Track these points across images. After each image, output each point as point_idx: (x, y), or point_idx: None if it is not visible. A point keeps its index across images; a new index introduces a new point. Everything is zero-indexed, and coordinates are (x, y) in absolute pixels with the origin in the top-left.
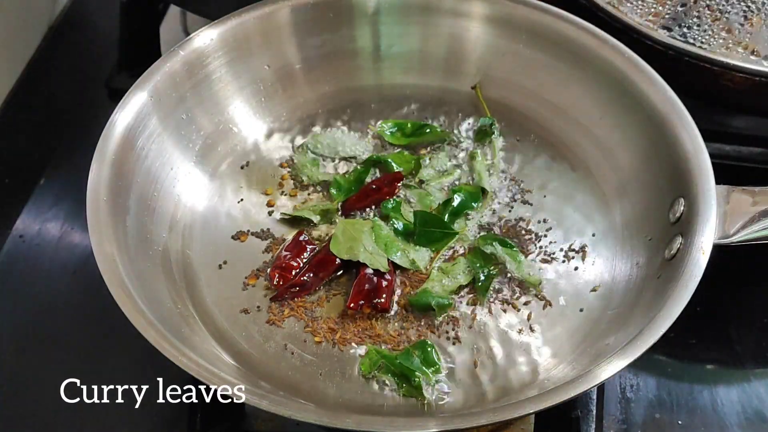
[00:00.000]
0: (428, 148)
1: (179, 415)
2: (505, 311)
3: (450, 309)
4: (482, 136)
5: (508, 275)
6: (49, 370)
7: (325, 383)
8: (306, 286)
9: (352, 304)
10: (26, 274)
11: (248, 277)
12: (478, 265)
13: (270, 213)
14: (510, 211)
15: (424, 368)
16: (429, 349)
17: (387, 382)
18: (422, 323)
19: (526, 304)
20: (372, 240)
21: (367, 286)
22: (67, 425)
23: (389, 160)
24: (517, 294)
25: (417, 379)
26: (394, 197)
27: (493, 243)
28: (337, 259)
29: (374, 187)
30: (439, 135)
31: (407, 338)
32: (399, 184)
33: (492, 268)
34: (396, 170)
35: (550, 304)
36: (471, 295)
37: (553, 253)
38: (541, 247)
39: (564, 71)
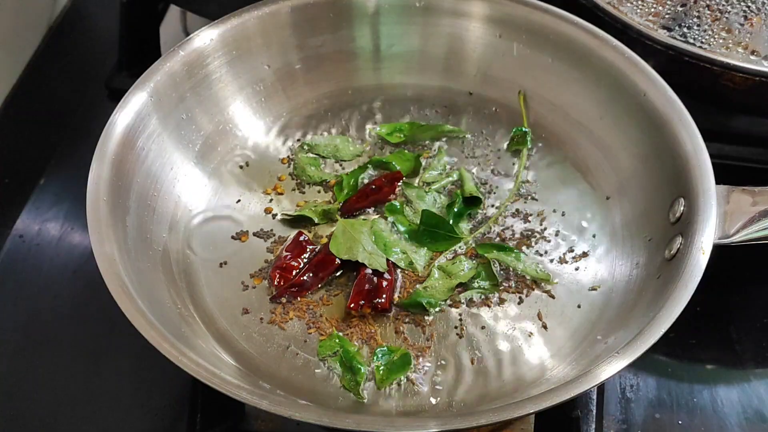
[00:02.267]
0: (427, 144)
1: (179, 415)
2: (505, 311)
3: (443, 307)
4: (515, 144)
5: (512, 271)
6: (49, 370)
7: (326, 384)
8: (305, 286)
9: (352, 305)
10: (26, 274)
11: (254, 278)
12: (481, 279)
13: (270, 213)
14: (510, 211)
15: (383, 375)
16: (403, 369)
17: (335, 368)
18: (420, 323)
19: (520, 303)
20: (371, 240)
21: (367, 286)
22: (67, 425)
23: (390, 161)
24: (518, 294)
25: (357, 377)
26: (397, 198)
27: (493, 251)
28: (337, 259)
29: (374, 187)
30: (439, 131)
31: (403, 339)
32: (398, 184)
33: (491, 286)
34: (396, 170)
35: (553, 297)
36: (471, 294)
37: (553, 254)
38: (541, 248)
39: (564, 71)
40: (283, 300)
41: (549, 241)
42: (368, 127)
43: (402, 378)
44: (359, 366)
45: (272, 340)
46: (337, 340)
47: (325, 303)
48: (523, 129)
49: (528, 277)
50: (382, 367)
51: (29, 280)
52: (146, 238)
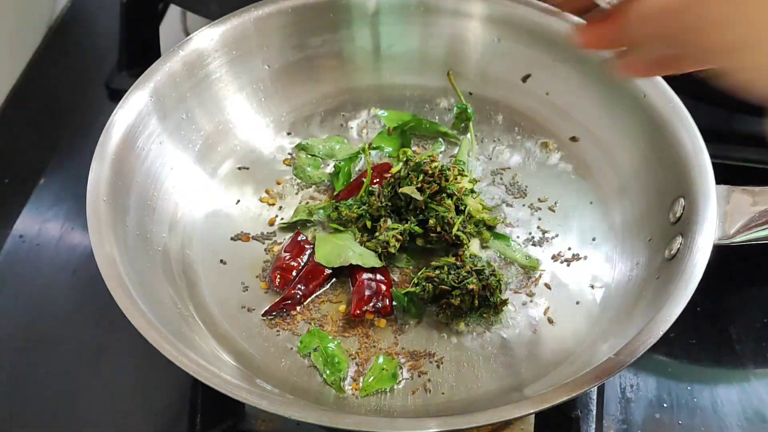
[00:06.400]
0: (422, 145)
1: (179, 415)
2: (505, 311)
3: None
4: (459, 122)
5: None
6: (49, 370)
7: (326, 384)
8: (297, 299)
9: (357, 311)
10: (26, 274)
11: (254, 278)
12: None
13: (270, 212)
14: (509, 211)
15: (372, 382)
16: (388, 383)
17: (316, 365)
18: (419, 323)
19: (522, 304)
20: (357, 243)
21: (367, 291)
22: (67, 425)
23: (378, 144)
24: (518, 293)
25: (339, 374)
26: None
27: (489, 236)
28: (326, 269)
29: (364, 179)
30: (435, 130)
31: (403, 340)
32: (388, 175)
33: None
34: (386, 151)
35: (549, 288)
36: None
37: (553, 254)
38: (541, 248)
39: (564, 71)
40: (276, 315)
41: (548, 241)
42: (372, 110)
43: (386, 389)
44: (340, 361)
45: (273, 340)
46: (317, 334)
47: (329, 301)
48: (463, 105)
49: (527, 271)
50: (371, 378)
51: (29, 280)
52: (146, 238)
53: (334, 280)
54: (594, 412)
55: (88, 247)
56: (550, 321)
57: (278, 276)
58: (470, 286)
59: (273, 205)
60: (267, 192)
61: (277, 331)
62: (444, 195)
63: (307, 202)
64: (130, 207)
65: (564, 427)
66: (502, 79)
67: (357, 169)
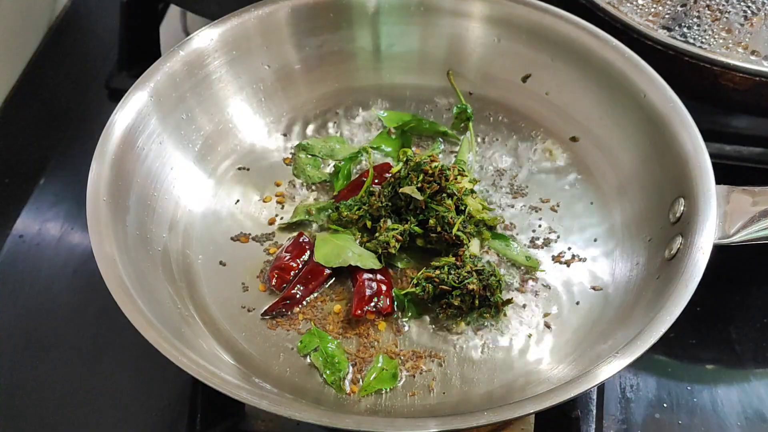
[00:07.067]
0: (422, 145)
1: (179, 415)
2: (506, 311)
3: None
4: (459, 122)
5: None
6: (49, 370)
7: (326, 384)
8: (297, 299)
9: (358, 311)
10: (26, 274)
11: (254, 278)
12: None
13: (269, 213)
14: (509, 211)
15: (366, 384)
16: (387, 383)
17: (316, 365)
18: (421, 323)
19: (522, 306)
20: (357, 244)
21: (368, 292)
22: (67, 425)
23: (378, 144)
24: (520, 293)
25: (339, 374)
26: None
27: (488, 236)
28: (326, 269)
29: (365, 179)
30: (434, 130)
31: (404, 340)
32: (388, 175)
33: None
34: (386, 152)
35: (549, 288)
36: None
37: (553, 255)
38: (541, 248)
39: (564, 71)
40: (275, 315)
41: (549, 242)
42: (372, 111)
43: (386, 389)
44: (340, 361)
45: (273, 340)
46: (317, 334)
47: (330, 301)
48: (463, 105)
49: (528, 271)
50: (372, 376)
51: (29, 280)
52: (146, 238)
53: (334, 279)
54: (594, 412)
55: (88, 247)
56: (550, 323)
57: (276, 276)
58: (470, 286)
59: (273, 205)
60: (275, 195)
61: (277, 331)
62: (444, 195)
63: (307, 202)
64: (130, 207)
65: (564, 427)
66: (502, 79)
67: (357, 169)
